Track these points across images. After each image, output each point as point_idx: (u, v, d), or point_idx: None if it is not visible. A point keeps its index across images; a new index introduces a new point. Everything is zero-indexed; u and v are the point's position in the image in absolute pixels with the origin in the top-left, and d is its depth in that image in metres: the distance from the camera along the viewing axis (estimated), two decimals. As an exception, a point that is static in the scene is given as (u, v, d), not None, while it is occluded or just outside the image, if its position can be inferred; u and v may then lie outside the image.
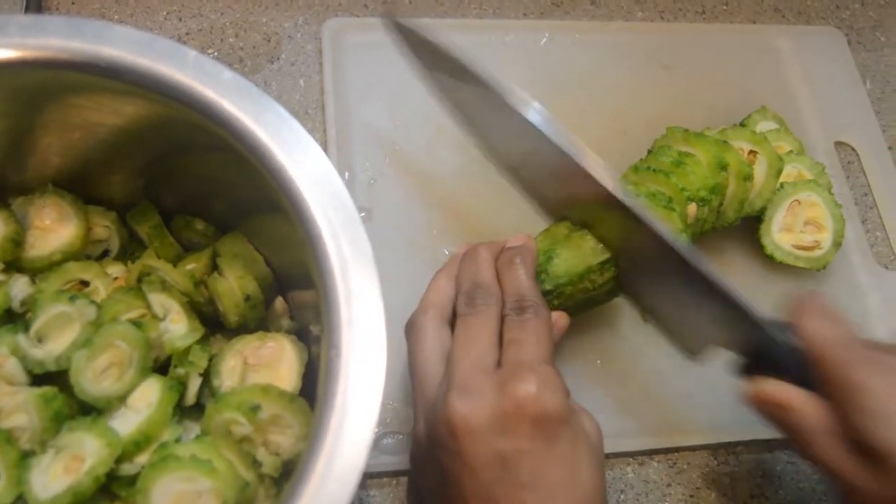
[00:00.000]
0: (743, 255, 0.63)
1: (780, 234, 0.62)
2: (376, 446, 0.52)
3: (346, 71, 0.64)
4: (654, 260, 0.48)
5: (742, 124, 0.65)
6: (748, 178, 0.58)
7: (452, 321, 0.47)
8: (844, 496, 0.43)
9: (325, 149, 0.61)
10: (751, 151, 0.61)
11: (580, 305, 0.52)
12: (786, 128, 0.66)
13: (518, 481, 0.39)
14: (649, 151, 0.61)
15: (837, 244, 0.61)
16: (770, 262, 0.62)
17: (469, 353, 0.42)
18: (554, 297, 0.50)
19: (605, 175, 0.47)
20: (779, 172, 0.61)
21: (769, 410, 0.45)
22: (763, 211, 0.61)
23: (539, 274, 0.50)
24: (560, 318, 0.50)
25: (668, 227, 0.48)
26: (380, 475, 0.52)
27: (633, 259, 0.50)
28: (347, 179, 0.60)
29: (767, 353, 0.46)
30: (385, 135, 0.62)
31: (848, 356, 0.42)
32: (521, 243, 0.50)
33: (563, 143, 0.47)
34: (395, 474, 0.52)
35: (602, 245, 0.50)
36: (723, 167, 0.57)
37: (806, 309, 0.45)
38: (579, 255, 0.50)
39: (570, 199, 0.51)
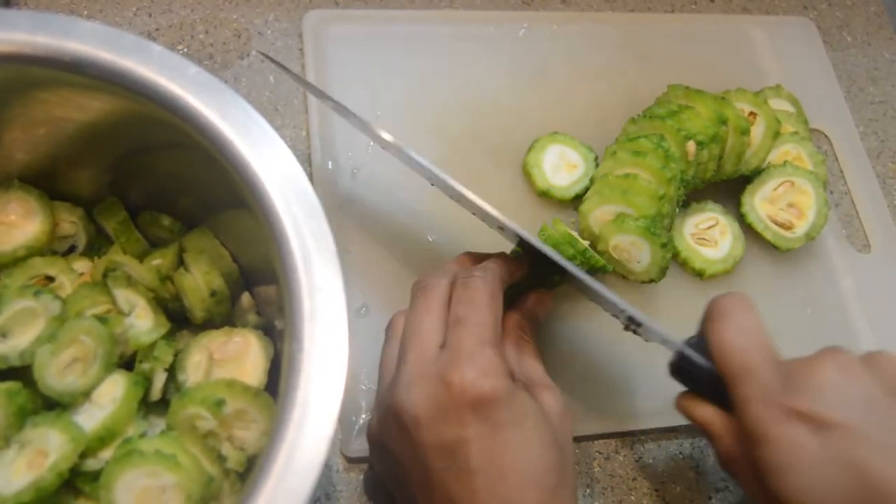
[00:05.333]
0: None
1: (762, 202, 0.63)
2: (360, 432, 0.52)
3: (327, 62, 0.64)
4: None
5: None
6: (745, 132, 0.60)
7: None
8: None
9: (308, 139, 0.61)
10: (751, 113, 0.63)
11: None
12: (800, 110, 0.67)
13: (467, 468, 0.40)
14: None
15: (810, 237, 0.62)
16: (749, 235, 0.63)
17: (414, 346, 0.44)
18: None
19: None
20: (776, 134, 0.62)
21: (693, 423, 0.47)
22: (756, 173, 0.63)
23: None
24: (545, 298, 0.52)
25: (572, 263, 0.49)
26: (360, 461, 0.52)
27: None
28: (331, 169, 0.60)
29: (691, 372, 0.47)
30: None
31: (753, 393, 0.43)
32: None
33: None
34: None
35: None
36: (722, 121, 0.59)
37: (716, 320, 0.45)
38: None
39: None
